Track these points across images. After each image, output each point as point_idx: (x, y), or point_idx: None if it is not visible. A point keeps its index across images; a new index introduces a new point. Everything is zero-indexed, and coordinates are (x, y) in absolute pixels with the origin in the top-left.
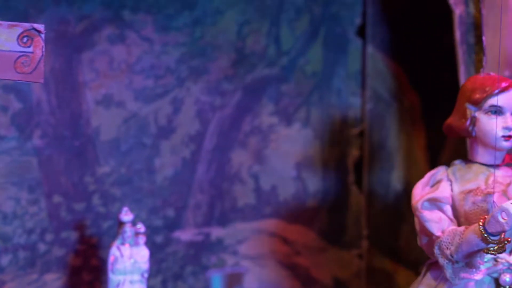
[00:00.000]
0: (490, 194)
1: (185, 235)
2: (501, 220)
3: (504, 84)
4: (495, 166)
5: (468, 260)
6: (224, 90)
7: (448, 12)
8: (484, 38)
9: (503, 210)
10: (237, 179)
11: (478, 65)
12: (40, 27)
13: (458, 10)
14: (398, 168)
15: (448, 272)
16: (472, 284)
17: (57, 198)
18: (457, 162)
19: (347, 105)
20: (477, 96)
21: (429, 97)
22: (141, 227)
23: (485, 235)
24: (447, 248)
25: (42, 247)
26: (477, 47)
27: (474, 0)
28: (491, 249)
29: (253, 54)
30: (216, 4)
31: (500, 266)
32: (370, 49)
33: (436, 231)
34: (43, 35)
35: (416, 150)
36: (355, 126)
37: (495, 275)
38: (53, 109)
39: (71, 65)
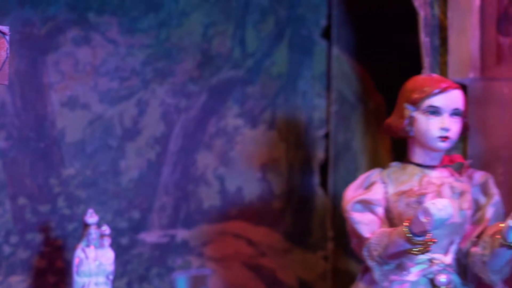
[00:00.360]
0: (423, 195)
1: (151, 237)
2: (423, 220)
3: (443, 85)
4: (431, 167)
5: (397, 261)
6: (190, 92)
7: (413, 14)
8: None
9: (425, 210)
10: (202, 181)
11: (442, 67)
12: (5, 29)
13: (423, 12)
14: (363, 169)
15: (377, 274)
16: (407, 285)
17: (22, 200)
18: (393, 164)
19: (312, 106)
20: (416, 96)
21: (394, 99)
22: (106, 229)
23: (409, 236)
24: (375, 249)
25: (6, 249)
26: (442, 49)
27: (439, 2)
28: (414, 249)
29: (218, 56)
30: (182, 6)
31: (435, 267)
32: (335, 51)
33: (365, 233)
34: (7, 37)
35: (381, 152)
36: (320, 127)
37: (430, 276)
38: (18, 111)
39: (36, 67)
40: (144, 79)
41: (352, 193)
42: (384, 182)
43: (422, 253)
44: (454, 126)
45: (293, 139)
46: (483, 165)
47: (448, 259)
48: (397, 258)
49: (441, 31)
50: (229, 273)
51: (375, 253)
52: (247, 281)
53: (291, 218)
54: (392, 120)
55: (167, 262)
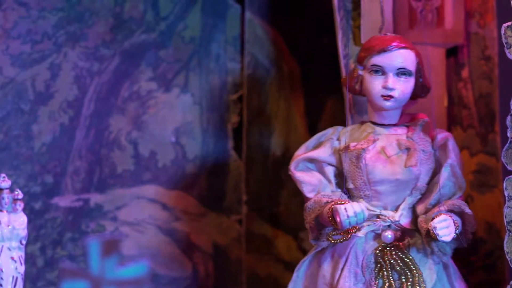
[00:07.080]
0: (362, 149)
1: (64, 201)
2: (337, 219)
3: (386, 44)
4: (386, 126)
5: (328, 229)
6: (102, 55)
7: None
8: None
9: (335, 210)
10: (116, 145)
11: (355, 31)
12: None
13: None
14: (277, 133)
15: (312, 235)
16: (354, 240)
17: None
18: (360, 123)
19: (226, 70)
20: (361, 55)
21: (308, 64)
22: (19, 193)
23: (332, 222)
24: (309, 214)
25: None
26: (355, 13)
27: None
28: (335, 233)
29: (131, 19)
30: None
31: (381, 223)
32: (248, 14)
33: (308, 193)
34: None
35: (295, 116)
36: (234, 91)
37: (378, 231)
38: None
39: None
40: (56, 42)
41: (299, 152)
42: (338, 139)
43: (341, 241)
44: (399, 86)
45: (207, 103)
46: None
47: (397, 216)
48: (322, 228)
49: None
50: (143, 237)
51: (308, 218)
52: (162, 245)
53: (205, 182)
54: (345, 78)
55: (81, 227)
